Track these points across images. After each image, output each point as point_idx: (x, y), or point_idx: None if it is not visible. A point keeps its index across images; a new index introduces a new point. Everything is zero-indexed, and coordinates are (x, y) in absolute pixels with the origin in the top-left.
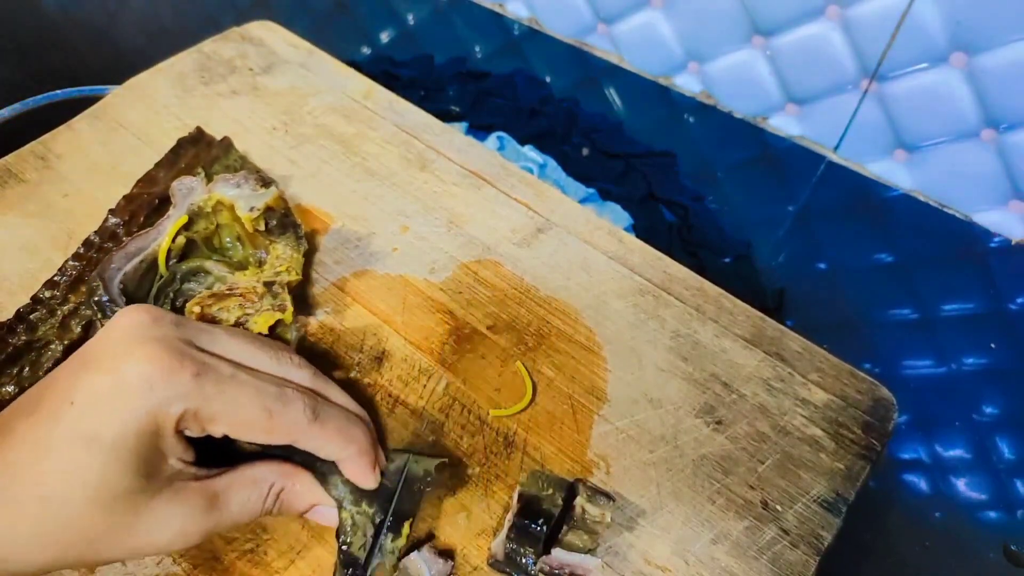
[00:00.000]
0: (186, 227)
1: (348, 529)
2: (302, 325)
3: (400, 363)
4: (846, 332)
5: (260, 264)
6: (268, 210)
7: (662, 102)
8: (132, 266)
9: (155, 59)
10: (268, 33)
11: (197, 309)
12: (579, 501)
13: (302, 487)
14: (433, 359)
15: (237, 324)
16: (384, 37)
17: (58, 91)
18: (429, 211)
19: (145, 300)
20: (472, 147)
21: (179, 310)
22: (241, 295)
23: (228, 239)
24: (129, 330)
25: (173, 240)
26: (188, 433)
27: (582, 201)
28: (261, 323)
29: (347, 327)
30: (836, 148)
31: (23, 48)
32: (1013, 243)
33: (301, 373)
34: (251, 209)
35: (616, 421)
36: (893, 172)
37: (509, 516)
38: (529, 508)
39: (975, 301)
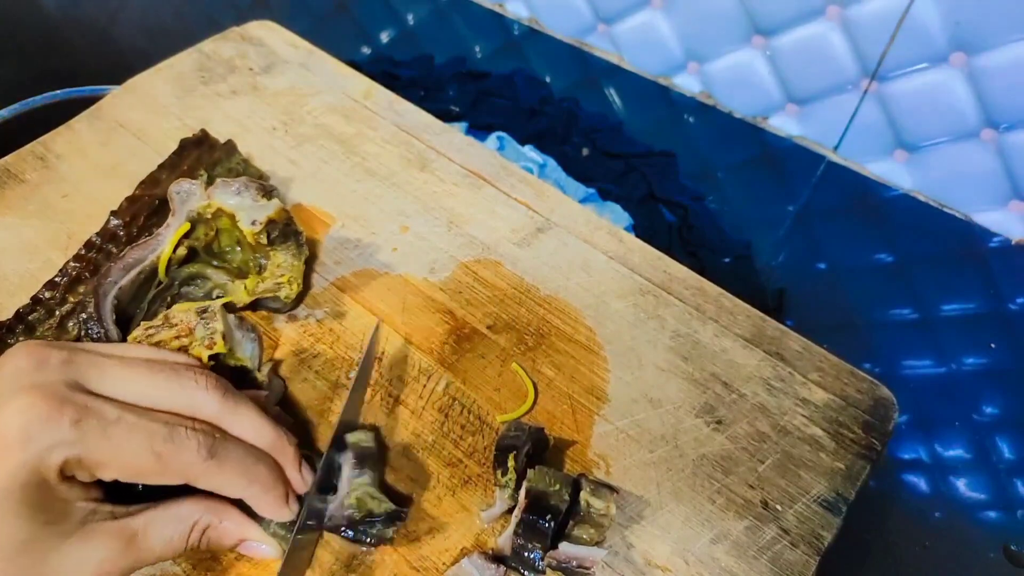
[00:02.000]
0: (186, 235)
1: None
2: (268, 354)
3: (400, 363)
4: (846, 332)
5: (260, 269)
6: (270, 222)
7: (662, 102)
8: (129, 279)
9: (155, 59)
10: (268, 33)
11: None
12: (583, 495)
13: (230, 523)
14: (433, 359)
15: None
16: (384, 37)
17: (58, 91)
18: (429, 211)
19: (139, 310)
20: (472, 147)
21: None
22: (175, 325)
23: (227, 245)
24: (10, 377)
25: (174, 251)
26: (79, 478)
27: (582, 201)
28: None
29: (347, 327)
30: (836, 148)
31: (23, 48)
32: (1013, 243)
33: (208, 396)
34: (253, 223)
35: (616, 421)
36: (893, 172)
37: (517, 512)
38: (537, 504)
39: (975, 301)
